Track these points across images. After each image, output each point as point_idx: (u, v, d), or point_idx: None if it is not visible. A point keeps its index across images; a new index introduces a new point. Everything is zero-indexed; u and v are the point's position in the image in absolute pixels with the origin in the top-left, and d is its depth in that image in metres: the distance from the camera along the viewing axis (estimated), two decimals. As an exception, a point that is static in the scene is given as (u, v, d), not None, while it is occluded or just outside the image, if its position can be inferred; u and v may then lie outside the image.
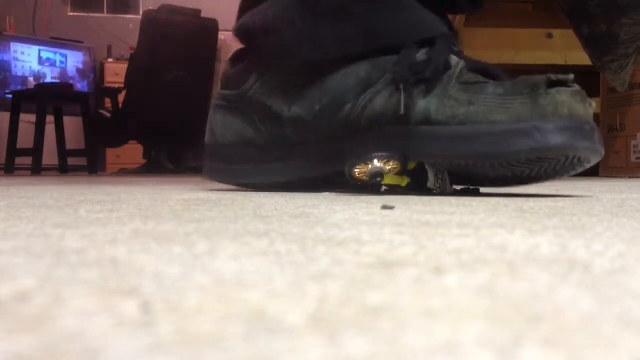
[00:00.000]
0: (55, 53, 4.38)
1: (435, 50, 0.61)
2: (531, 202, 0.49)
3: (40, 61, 4.32)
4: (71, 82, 4.16)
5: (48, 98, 3.05)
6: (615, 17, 1.12)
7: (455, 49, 0.63)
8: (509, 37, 1.74)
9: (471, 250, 0.22)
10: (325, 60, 0.64)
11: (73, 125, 3.61)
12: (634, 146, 1.54)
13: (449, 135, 0.57)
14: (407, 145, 0.58)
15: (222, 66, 3.24)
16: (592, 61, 1.32)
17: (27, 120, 3.16)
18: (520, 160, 0.55)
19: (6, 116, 3.16)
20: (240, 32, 0.72)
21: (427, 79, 0.59)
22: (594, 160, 0.57)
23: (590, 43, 1.20)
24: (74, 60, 4.47)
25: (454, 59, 0.61)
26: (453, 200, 0.51)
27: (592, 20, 1.14)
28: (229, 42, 3.66)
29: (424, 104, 0.58)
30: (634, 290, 0.16)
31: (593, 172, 1.68)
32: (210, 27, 3.23)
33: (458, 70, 0.60)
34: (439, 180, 0.58)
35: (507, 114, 0.56)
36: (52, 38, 4.43)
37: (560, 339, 0.11)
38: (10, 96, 3.23)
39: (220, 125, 0.71)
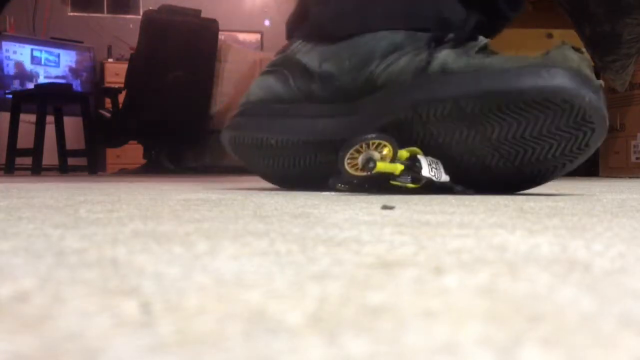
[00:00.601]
0: (48, 52, 4.37)
1: (467, 26, 0.64)
2: (531, 202, 0.49)
3: (33, 60, 4.31)
4: (64, 80, 4.16)
5: (48, 98, 3.05)
6: (619, 17, 1.12)
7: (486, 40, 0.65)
8: (509, 37, 1.74)
9: (471, 250, 0.22)
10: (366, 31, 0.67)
11: (73, 125, 3.61)
12: (634, 146, 1.54)
13: (461, 78, 0.58)
14: (416, 93, 0.59)
15: (222, 66, 3.24)
16: (594, 61, 1.32)
17: (27, 120, 3.16)
18: (526, 99, 0.55)
19: (6, 116, 3.16)
20: (295, 13, 0.75)
21: (454, 39, 0.61)
22: (597, 124, 0.57)
23: (592, 43, 1.20)
24: (67, 59, 4.45)
25: (480, 38, 0.63)
26: (453, 200, 0.51)
27: (595, 20, 1.14)
28: (229, 42, 3.66)
29: (443, 56, 0.60)
30: (634, 290, 0.16)
31: (593, 172, 1.68)
32: (210, 27, 3.23)
33: (482, 43, 0.62)
34: (433, 169, 0.58)
35: (519, 62, 0.57)
36: (52, 38, 4.43)
37: (560, 339, 0.11)
38: (10, 96, 3.23)
39: (256, 85, 0.73)
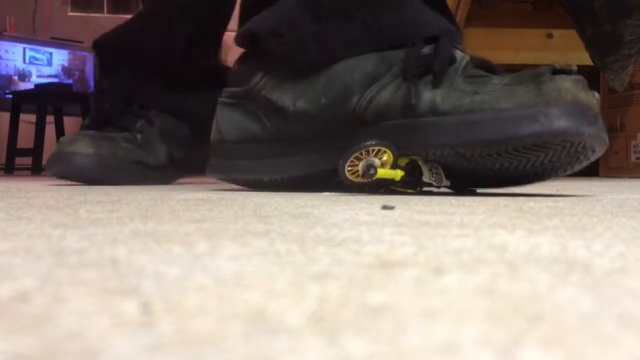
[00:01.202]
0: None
1: (441, 45, 0.62)
2: (531, 202, 0.49)
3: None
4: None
5: (48, 98, 3.05)
6: (621, 18, 1.12)
7: (459, 46, 0.63)
8: (509, 37, 1.74)
9: (471, 250, 0.22)
10: (332, 61, 0.65)
11: (73, 125, 3.61)
12: (634, 146, 1.54)
13: (455, 124, 0.57)
14: (412, 137, 0.59)
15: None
16: (594, 61, 1.32)
17: (27, 120, 3.15)
18: (525, 145, 0.55)
19: (6, 116, 3.16)
20: (245, 38, 0.72)
21: (433, 71, 0.60)
22: (598, 149, 0.57)
23: (593, 43, 1.20)
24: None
25: (458, 53, 0.62)
26: (453, 200, 0.51)
27: (597, 20, 1.14)
28: (229, 42, 3.65)
29: (430, 96, 0.59)
30: (634, 290, 0.16)
31: (593, 172, 1.68)
32: (210, 27, 3.22)
33: (463, 63, 0.60)
34: (434, 174, 0.58)
35: (511, 101, 0.56)
36: (52, 38, 4.43)
37: (560, 339, 0.11)
38: (10, 96, 3.23)
39: (226, 121, 0.71)
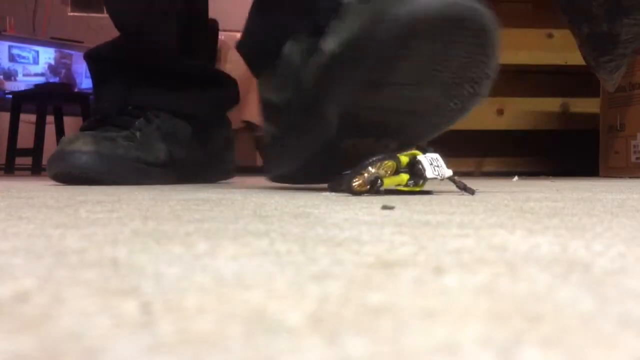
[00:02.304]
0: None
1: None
2: (531, 202, 0.49)
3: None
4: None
5: (48, 98, 3.05)
6: (618, 17, 1.12)
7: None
8: (509, 37, 1.74)
9: (471, 250, 0.22)
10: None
11: (73, 125, 3.61)
12: (634, 146, 1.54)
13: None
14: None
15: (222, 66, 3.24)
16: (587, 61, 1.32)
17: (27, 120, 3.15)
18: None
19: (6, 116, 3.16)
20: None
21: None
22: (483, 24, 0.58)
23: (589, 42, 1.20)
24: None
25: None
26: (453, 200, 0.51)
27: (594, 20, 1.14)
28: (229, 42, 3.66)
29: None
30: (634, 290, 0.16)
31: (593, 172, 1.68)
32: (211, 27, 3.22)
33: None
34: (435, 168, 0.58)
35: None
36: (52, 38, 4.43)
37: (560, 339, 0.11)
38: (10, 96, 3.23)
39: (265, 126, 0.76)
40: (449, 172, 0.59)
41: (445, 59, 0.58)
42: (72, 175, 0.90)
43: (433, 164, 0.58)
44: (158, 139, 0.99)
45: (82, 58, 4.67)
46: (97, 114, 1.01)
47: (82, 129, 0.98)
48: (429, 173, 0.57)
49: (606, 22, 1.14)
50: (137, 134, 0.96)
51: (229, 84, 1.11)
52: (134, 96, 1.00)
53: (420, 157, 0.58)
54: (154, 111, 0.99)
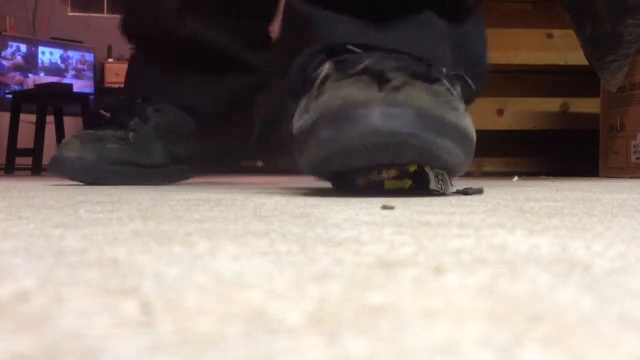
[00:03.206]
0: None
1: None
2: (531, 202, 0.49)
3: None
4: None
5: (48, 98, 3.05)
6: (622, 17, 1.12)
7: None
8: (509, 37, 1.74)
9: (471, 250, 0.22)
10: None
11: (73, 125, 3.61)
12: (634, 146, 1.54)
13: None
14: None
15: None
16: (590, 61, 1.32)
17: (27, 120, 3.15)
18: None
19: (6, 116, 3.16)
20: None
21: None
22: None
23: (592, 42, 1.20)
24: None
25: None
26: (453, 200, 0.51)
27: (598, 20, 1.14)
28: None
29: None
30: (634, 290, 0.16)
31: (593, 172, 1.68)
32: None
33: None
34: (440, 181, 0.58)
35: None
36: (52, 38, 4.43)
37: (560, 339, 0.11)
38: (10, 96, 3.23)
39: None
40: (452, 189, 0.59)
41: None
42: (67, 179, 0.93)
43: (438, 177, 0.58)
44: (154, 138, 0.98)
45: (82, 58, 4.64)
46: (101, 108, 1.02)
47: (85, 127, 0.99)
48: (432, 185, 0.58)
49: (610, 22, 1.14)
50: (130, 135, 0.96)
51: (260, 67, 0.99)
52: (146, 85, 0.99)
53: (427, 168, 0.58)
54: (158, 105, 0.98)
